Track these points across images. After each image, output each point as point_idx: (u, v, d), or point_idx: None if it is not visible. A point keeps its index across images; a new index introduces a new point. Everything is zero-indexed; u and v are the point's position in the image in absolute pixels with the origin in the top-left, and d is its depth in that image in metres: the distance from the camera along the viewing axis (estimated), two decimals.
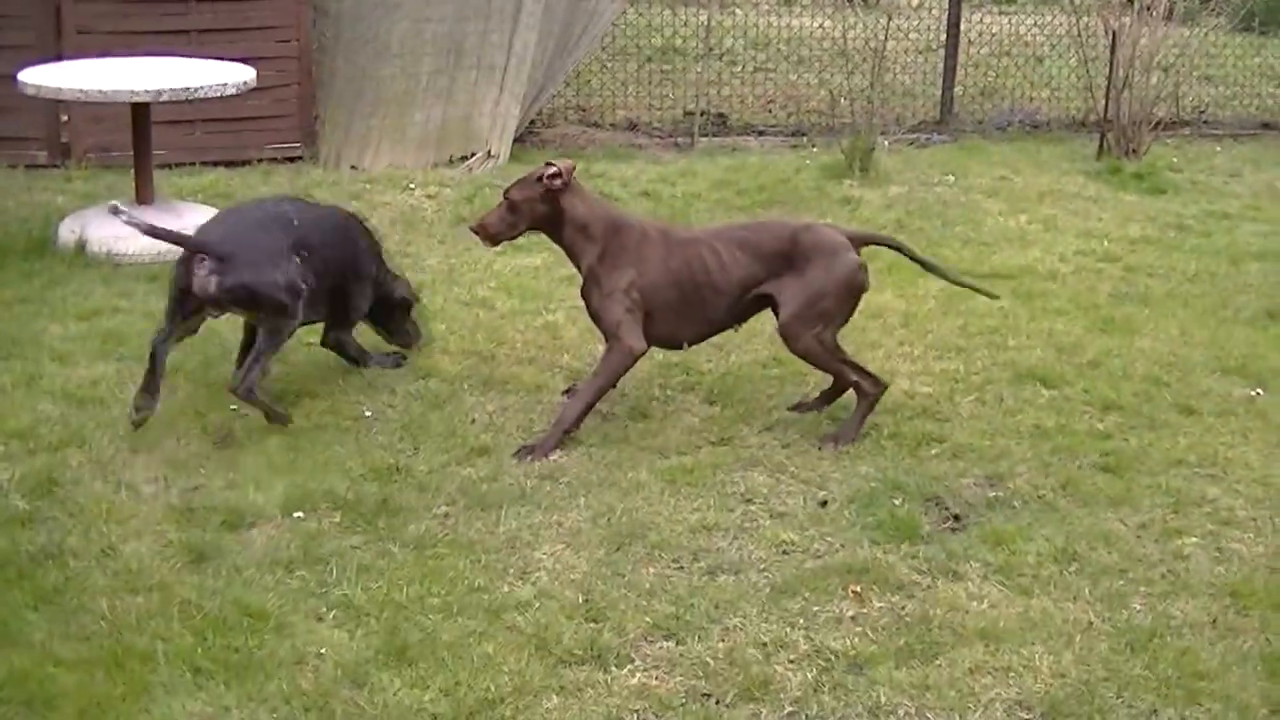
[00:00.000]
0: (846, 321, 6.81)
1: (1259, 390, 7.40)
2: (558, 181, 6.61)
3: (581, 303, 6.85)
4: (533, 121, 12.69)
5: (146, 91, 8.80)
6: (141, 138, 9.17)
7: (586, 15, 12.47)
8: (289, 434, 6.49)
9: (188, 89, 8.82)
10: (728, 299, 6.72)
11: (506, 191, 6.78)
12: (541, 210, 6.70)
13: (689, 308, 6.71)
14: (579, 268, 6.76)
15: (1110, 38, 12.75)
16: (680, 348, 6.99)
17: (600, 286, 6.62)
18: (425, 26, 11.51)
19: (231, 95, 9.21)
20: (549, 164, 6.68)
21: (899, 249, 7.27)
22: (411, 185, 10.84)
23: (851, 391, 6.78)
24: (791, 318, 6.60)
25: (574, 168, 6.77)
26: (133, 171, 9.33)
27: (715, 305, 6.73)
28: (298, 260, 6.57)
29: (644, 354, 6.66)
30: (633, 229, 6.76)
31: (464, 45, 11.67)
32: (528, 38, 11.82)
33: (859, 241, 6.91)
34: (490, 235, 6.81)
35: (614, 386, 6.80)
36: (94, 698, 4.50)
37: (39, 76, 8.91)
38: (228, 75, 9.11)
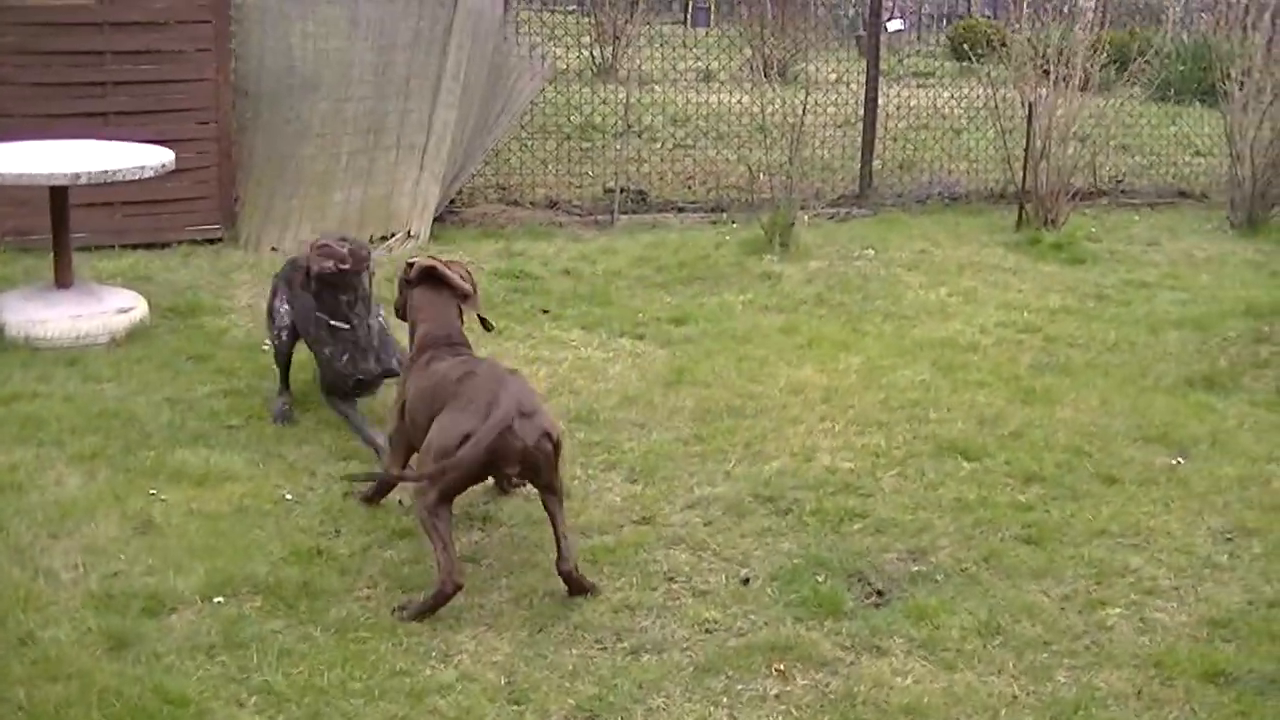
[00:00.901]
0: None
1: (1180, 458, 7.46)
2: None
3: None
4: (453, 200, 12.71)
5: (64, 175, 8.74)
6: (60, 221, 9.10)
7: (505, 94, 12.54)
8: (209, 518, 6.44)
9: (106, 171, 8.76)
10: None
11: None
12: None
13: None
14: None
15: (1027, 109, 12.90)
16: None
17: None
18: (345, 106, 11.52)
19: (150, 178, 9.16)
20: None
21: None
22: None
23: None
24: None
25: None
26: (52, 255, 9.25)
27: None
28: None
29: None
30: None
31: (384, 124, 11.69)
32: (447, 116, 11.86)
33: None
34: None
35: None
36: None
37: None
38: (146, 158, 9.06)
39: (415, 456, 6.24)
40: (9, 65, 10.84)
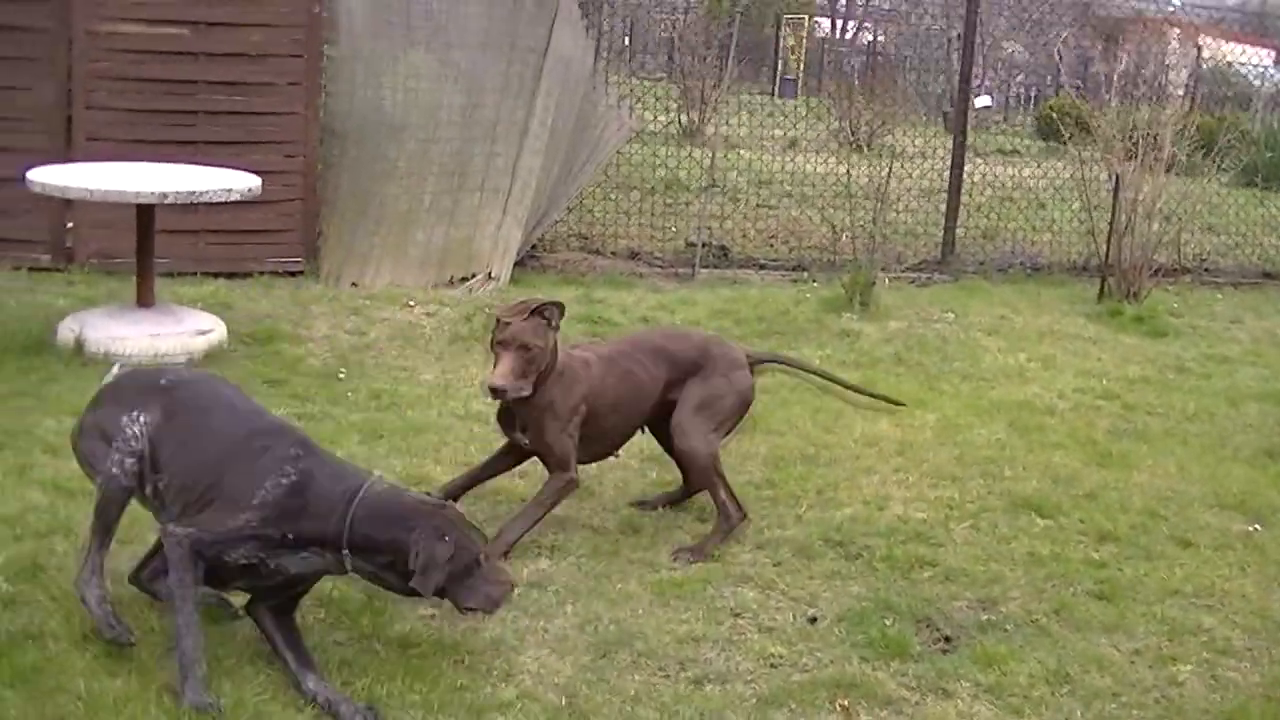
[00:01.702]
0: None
1: (1257, 525, 7.36)
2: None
3: None
4: (534, 246, 12.74)
5: (151, 194, 8.82)
6: (145, 241, 9.19)
7: (591, 143, 12.58)
8: None
9: (192, 192, 8.84)
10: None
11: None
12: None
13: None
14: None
15: (1114, 182, 12.85)
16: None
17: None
18: (431, 147, 11.59)
19: (236, 202, 9.23)
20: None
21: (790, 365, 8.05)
22: (411, 303, 10.86)
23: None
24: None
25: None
26: (135, 276, 9.33)
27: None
28: None
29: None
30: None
31: (469, 167, 11.75)
32: (532, 162, 11.91)
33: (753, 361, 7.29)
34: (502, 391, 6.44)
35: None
36: None
37: (46, 176, 8.92)
38: (233, 181, 9.13)
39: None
40: (103, 91, 11.02)
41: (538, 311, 6.39)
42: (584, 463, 6.79)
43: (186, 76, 11.15)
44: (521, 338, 6.34)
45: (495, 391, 6.35)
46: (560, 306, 6.49)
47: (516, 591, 5.86)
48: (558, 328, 6.51)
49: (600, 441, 6.85)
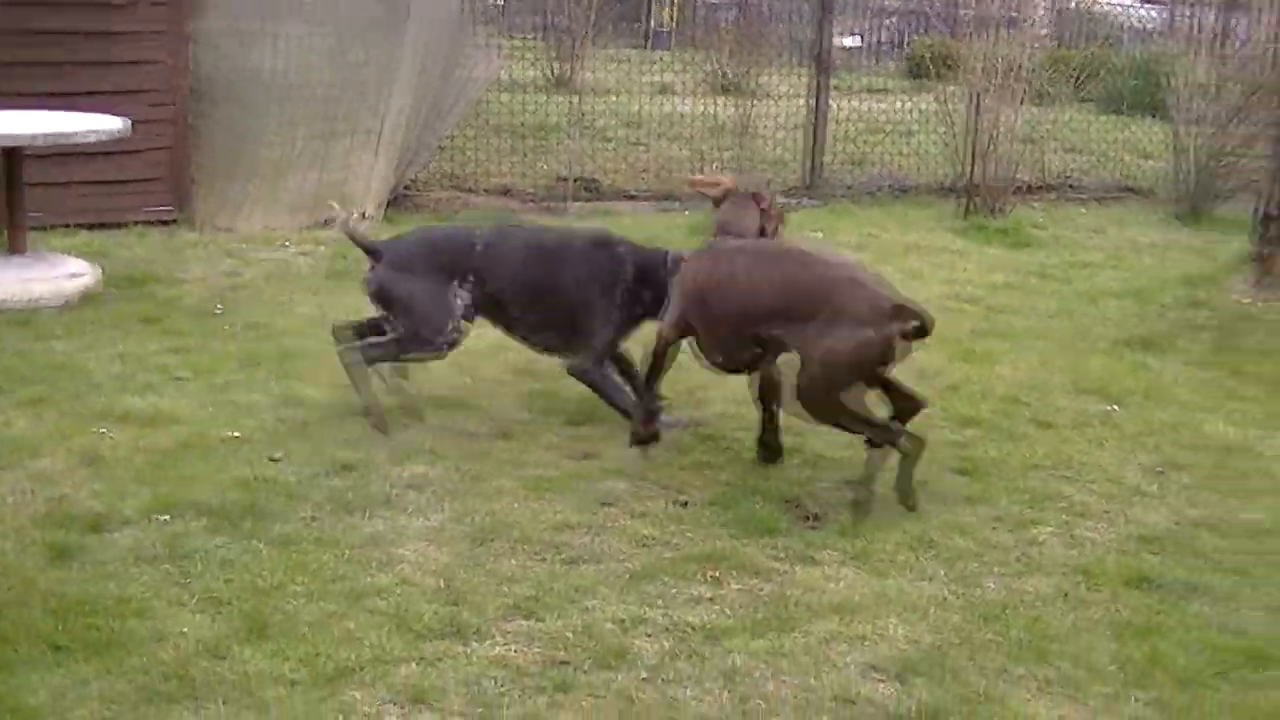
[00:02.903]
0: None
1: (1115, 406, 7.65)
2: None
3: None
4: (406, 186, 12.79)
5: (20, 136, 8.85)
6: (14, 189, 9.20)
7: (461, 82, 12.67)
8: (155, 453, 6.53)
9: (60, 134, 8.88)
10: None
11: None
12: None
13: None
14: None
15: (975, 103, 13.11)
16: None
17: None
18: (301, 93, 11.61)
19: (105, 152, 9.26)
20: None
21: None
22: (286, 244, 10.94)
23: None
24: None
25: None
26: (6, 225, 9.34)
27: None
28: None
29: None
30: None
31: (339, 111, 11.78)
32: (402, 102, 11.97)
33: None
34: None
35: None
36: None
37: None
38: (100, 124, 9.16)
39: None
40: None
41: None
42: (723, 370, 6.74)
43: (51, 27, 11.07)
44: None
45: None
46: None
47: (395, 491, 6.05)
48: None
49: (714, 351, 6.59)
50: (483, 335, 7.50)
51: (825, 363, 6.05)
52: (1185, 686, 4.74)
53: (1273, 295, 9.73)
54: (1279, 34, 14.06)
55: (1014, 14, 14.91)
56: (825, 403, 6.16)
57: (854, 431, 6.31)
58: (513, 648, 4.86)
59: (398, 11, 11.93)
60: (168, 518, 5.80)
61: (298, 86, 11.59)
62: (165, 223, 11.36)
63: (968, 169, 13.21)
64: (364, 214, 11.71)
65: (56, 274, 9.12)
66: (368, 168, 11.93)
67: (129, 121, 9.35)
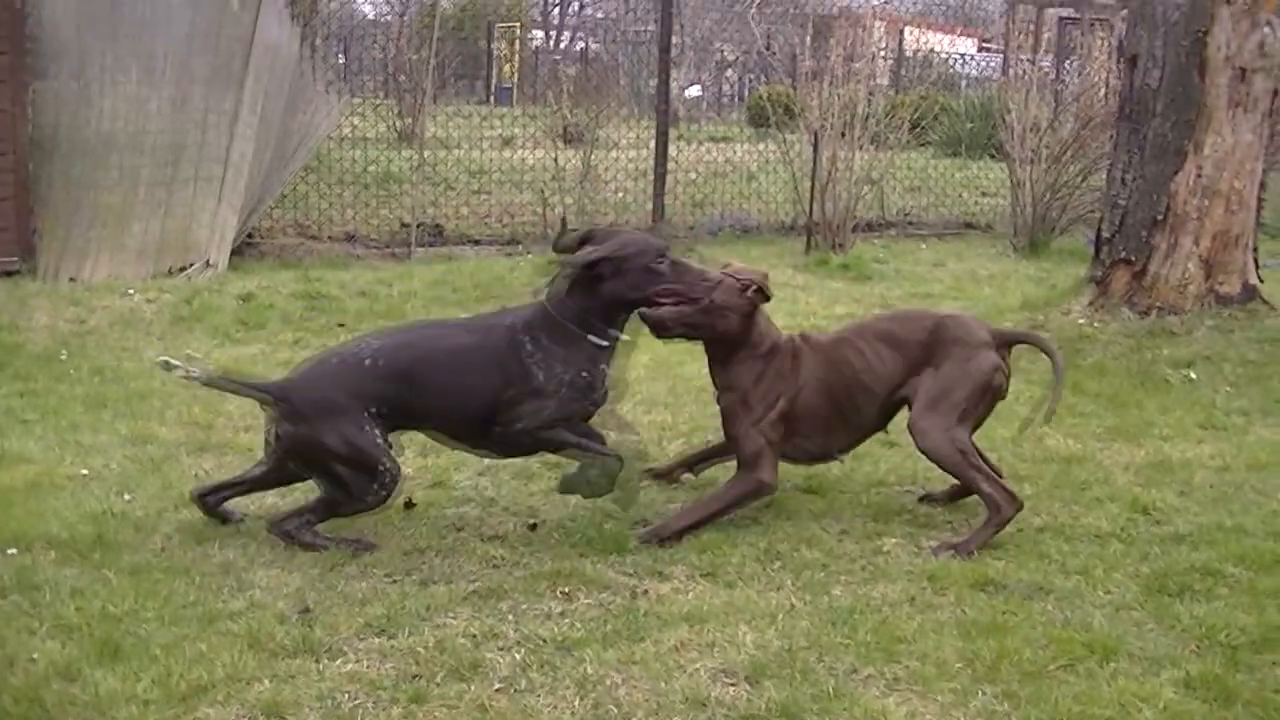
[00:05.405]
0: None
1: None
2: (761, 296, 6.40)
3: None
4: (250, 234, 12.81)
5: None
6: None
7: (303, 128, 12.71)
8: (2, 490, 6.50)
9: None
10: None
11: (705, 294, 6.23)
12: (732, 321, 6.34)
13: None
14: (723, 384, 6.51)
15: (814, 140, 13.38)
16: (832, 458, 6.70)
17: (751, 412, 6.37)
18: (143, 140, 11.61)
19: None
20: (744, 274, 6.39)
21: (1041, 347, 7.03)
22: (131, 291, 10.88)
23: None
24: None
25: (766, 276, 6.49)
26: None
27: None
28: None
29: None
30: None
31: (181, 158, 11.80)
32: (245, 148, 12.00)
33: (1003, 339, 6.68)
34: (665, 328, 6.28)
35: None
36: None
37: None
38: None
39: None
40: None
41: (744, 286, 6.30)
42: (799, 462, 6.63)
43: None
44: (710, 297, 6.23)
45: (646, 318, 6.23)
46: (758, 281, 6.36)
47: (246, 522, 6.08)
48: (764, 300, 6.42)
49: (816, 438, 6.51)
50: None
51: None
52: (1032, 679, 4.87)
53: (1109, 317, 9.94)
54: (1109, 72, 14.50)
55: (853, 63, 15.22)
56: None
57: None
58: (366, 663, 4.90)
59: (237, 61, 11.95)
60: (15, 551, 5.78)
61: (139, 134, 11.57)
62: (9, 273, 11.28)
63: (808, 207, 13.44)
64: (208, 262, 11.72)
65: None
66: (211, 214, 11.94)
67: None
